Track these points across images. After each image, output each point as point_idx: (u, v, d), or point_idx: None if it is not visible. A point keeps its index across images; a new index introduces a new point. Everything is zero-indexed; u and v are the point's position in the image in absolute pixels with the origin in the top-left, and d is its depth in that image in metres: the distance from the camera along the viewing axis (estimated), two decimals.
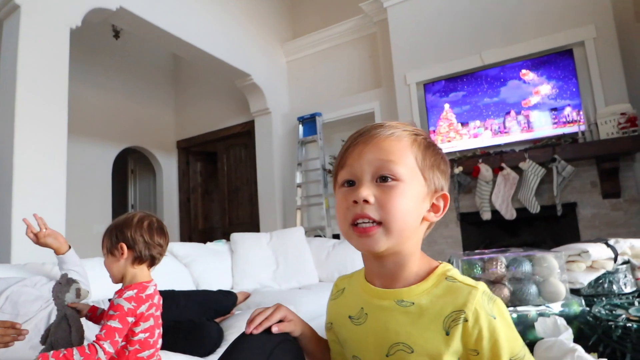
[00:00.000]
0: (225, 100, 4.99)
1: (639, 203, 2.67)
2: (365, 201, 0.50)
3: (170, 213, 5.18)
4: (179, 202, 5.30)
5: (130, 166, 5.55)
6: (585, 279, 1.15)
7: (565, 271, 1.12)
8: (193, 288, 2.20)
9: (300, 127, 4.33)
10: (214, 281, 2.29)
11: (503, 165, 2.98)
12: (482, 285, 0.50)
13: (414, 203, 0.51)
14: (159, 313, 0.93)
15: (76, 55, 2.96)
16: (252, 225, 4.55)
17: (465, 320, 0.47)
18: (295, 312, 1.96)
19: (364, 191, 0.50)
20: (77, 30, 2.55)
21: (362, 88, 4.21)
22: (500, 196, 3.02)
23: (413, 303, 0.51)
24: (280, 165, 4.44)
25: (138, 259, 0.92)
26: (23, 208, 2.06)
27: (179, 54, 3.75)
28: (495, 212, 3.04)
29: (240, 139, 4.91)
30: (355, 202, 0.50)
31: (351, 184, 0.53)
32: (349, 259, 2.53)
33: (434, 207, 0.54)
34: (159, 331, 0.92)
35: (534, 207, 2.88)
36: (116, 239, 0.92)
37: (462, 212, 3.24)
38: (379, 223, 0.50)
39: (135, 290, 0.88)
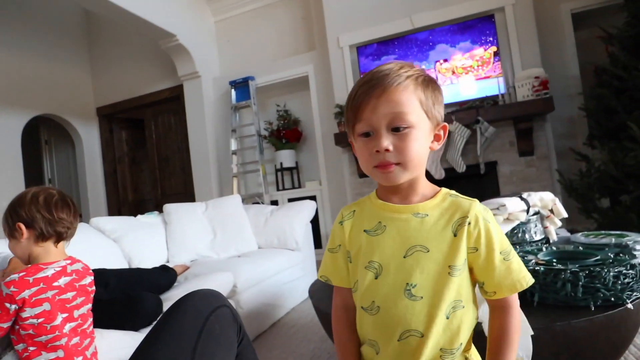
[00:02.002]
0: (150, 63, 4.60)
1: (548, 159, 2.97)
2: (386, 150, 0.59)
3: (94, 186, 4.79)
4: (104, 174, 4.90)
5: (43, 137, 4.96)
6: (503, 229, 1.25)
7: None
8: (125, 265, 2.07)
9: (233, 92, 4.14)
10: (148, 256, 2.17)
11: None
12: (476, 200, 0.63)
13: (424, 141, 0.61)
14: (68, 296, 0.87)
15: None
16: (186, 195, 4.37)
17: (469, 223, 0.60)
18: (235, 280, 1.94)
19: (384, 142, 0.59)
20: None
21: (296, 51, 4.09)
22: (430, 157, 3.18)
23: (427, 214, 0.62)
24: (214, 131, 4.25)
25: (41, 237, 0.88)
26: None
27: (91, 10, 3.32)
28: (426, 173, 3.20)
29: (169, 105, 4.59)
30: (377, 151, 0.59)
31: (367, 134, 0.61)
32: (288, 224, 2.54)
33: (436, 137, 0.64)
34: (64, 315, 0.86)
35: (461, 167, 3.09)
36: (12, 219, 0.88)
37: None
38: (397, 164, 0.59)
39: (21, 274, 0.82)
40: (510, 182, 3.07)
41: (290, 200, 3.85)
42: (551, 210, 1.39)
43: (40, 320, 0.82)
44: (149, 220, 2.49)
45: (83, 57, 4.87)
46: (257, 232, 2.58)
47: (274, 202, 3.97)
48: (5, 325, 0.80)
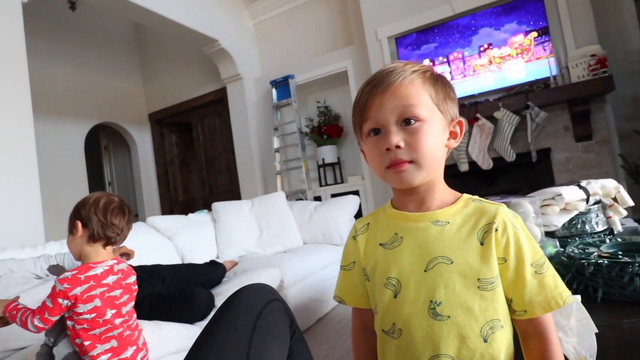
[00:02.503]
0: (195, 68, 4.80)
1: (609, 144, 2.74)
2: (397, 146, 0.54)
3: (148, 187, 5.09)
4: (157, 176, 5.19)
5: (103, 143, 5.36)
6: (559, 221, 1.18)
7: (540, 215, 1.14)
8: (178, 261, 2.19)
9: (274, 91, 4.21)
10: (199, 252, 2.29)
11: (478, 115, 2.99)
12: (504, 205, 0.57)
13: (438, 137, 0.56)
14: (116, 293, 0.93)
15: (34, 31, 2.79)
16: (232, 193, 4.52)
17: (496, 230, 0.54)
18: (282, 275, 1.98)
19: (394, 137, 0.54)
20: (31, 4, 2.42)
21: (334, 47, 4.08)
22: (476, 147, 3.05)
23: (448, 222, 0.56)
24: (256, 131, 4.35)
25: (92, 237, 0.94)
26: None
27: (141, 22, 3.54)
28: (472, 163, 3.08)
29: (214, 108, 4.76)
30: (388, 149, 0.55)
31: (377, 132, 0.57)
32: (332, 219, 2.55)
33: (452, 134, 0.60)
34: (114, 311, 0.92)
35: (510, 156, 2.93)
36: (73, 217, 0.96)
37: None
38: (410, 161, 0.54)
39: (74, 272, 0.88)
40: (566, 170, 2.88)
41: (333, 195, 3.86)
42: (614, 199, 1.28)
43: (93, 315, 0.88)
44: (199, 218, 2.61)
45: (135, 67, 5.18)
46: (302, 228, 2.61)
47: (317, 198, 4.00)
48: (54, 318, 0.86)
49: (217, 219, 2.59)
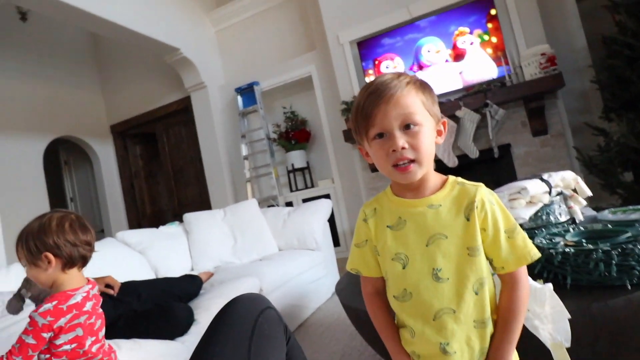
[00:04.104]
0: (157, 78, 4.67)
1: (564, 137, 2.91)
2: (402, 147, 0.65)
3: (114, 201, 4.90)
4: (122, 189, 5.00)
5: (63, 158, 5.09)
6: (526, 213, 1.24)
7: (509, 209, 1.20)
8: (152, 275, 2.12)
9: (239, 98, 4.17)
10: (173, 265, 2.23)
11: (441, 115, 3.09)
12: (482, 185, 0.69)
13: (431, 137, 0.67)
14: (93, 320, 0.88)
15: None
16: (202, 203, 4.43)
17: (476, 207, 0.66)
18: (260, 283, 1.96)
19: (400, 141, 0.65)
20: None
21: (297, 52, 4.10)
22: (441, 145, 3.15)
23: (440, 205, 0.68)
24: (224, 139, 4.29)
25: (68, 264, 0.88)
26: None
27: (97, 32, 3.40)
28: (438, 161, 3.18)
29: (179, 117, 4.65)
30: (394, 150, 0.65)
31: (380, 135, 0.67)
32: (306, 224, 2.55)
33: (438, 132, 0.70)
34: (93, 338, 0.88)
35: (474, 152, 3.05)
36: (37, 249, 0.86)
37: None
38: (413, 160, 0.65)
39: (54, 303, 0.82)
40: (526, 164, 3.03)
41: (304, 200, 3.86)
42: (574, 190, 1.37)
43: (73, 345, 0.84)
44: (171, 230, 2.54)
45: (94, 79, 4.98)
46: (276, 234, 2.60)
47: (289, 204, 3.98)
48: (36, 353, 0.80)
49: (189, 230, 2.53)
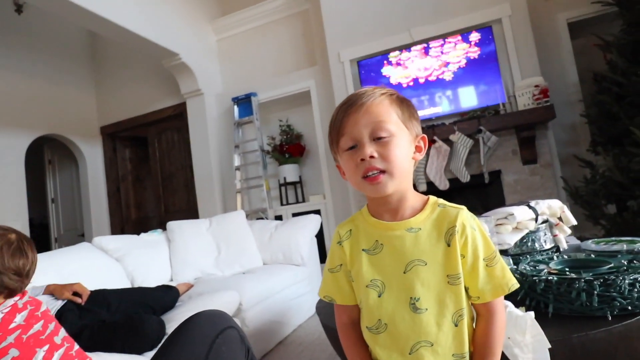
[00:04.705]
0: (153, 81, 4.65)
1: (552, 167, 2.95)
2: (371, 157, 0.62)
3: (97, 204, 4.78)
4: (107, 192, 4.90)
5: (47, 156, 4.98)
6: (512, 239, 1.24)
7: (495, 234, 1.19)
8: (127, 284, 2.05)
9: (236, 108, 4.17)
10: (151, 274, 2.16)
11: (435, 138, 3.12)
12: (464, 208, 0.65)
13: (405, 149, 0.64)
14: (37, 328, 0.78)
15: None
16: (190, 212, 4.36)
17: (457, 231, 0.62)
18: (240, 298, 1.91)
19: (368, 149, 0.62)
20: None
21: (297, 67, 4.13)
22: (434, 168, 3.17)
23: (420, 228, 0.64)
24: (217, 148, 4.26)
25: None
26: None
27: (95, 31, 3.38)
28: (430, 184, 3.19)
29: (172, 122, 4.62)
30: (362, 159, 0.62)
31: (352, 147, 0.64)
32: (293, 239, 2.52)
33: (417, 149, 0.68)
34: (46, 347, 0.78)
35: (465, 177, 3.07)
36: None
37: None
38: (383, 171, 0.62)
39: None
40: (514, 191, 3.05)
41: (294, 214, 3.83)
42: (560, 218, 1.37)
43: None
44: (152, 238, 2.48)
45: (87, 78, 4.92)
46: (262, 247, 2.55)
47: (278, 217, 3.95)
48: None
49: (171, 238, 2.47)
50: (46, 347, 0.77)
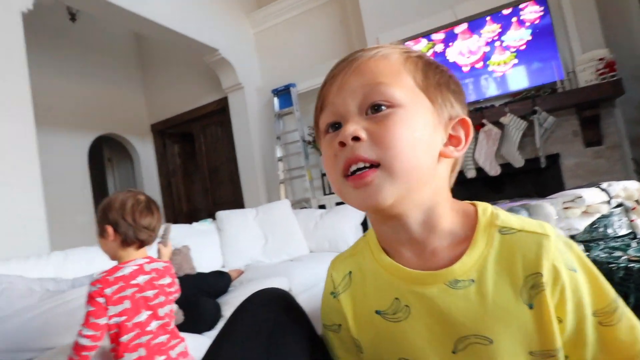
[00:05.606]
0: (196, 78, 4.79)
1: (620, 149, 2.69)
2: (355, 138, 0.37)
3: (152, 198, 5.05)
4: (160, 187, 5.16)
5: (106, 155, 5.35)
6: (580, 224, 1.13)
7: (563, 218, 1.10)
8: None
9: (276, 100, 4.20)
10: (205, 261, 2.24)
11: (484, 121, 2.96)
12: (550, 229, 0.38)
13: (422, 133, 0.38)
14: (149, 294, 0.88)
15: (34, 43, 2.78)
16: (236, 203, 4.47)
17: (545, 283, 0.36)
18: (289, 284, 1.92)
19: (351, 126, 0.38)
20: (31, 15, 2.40)
21: (335, 54, 4.06)
22: (483, 153, 3.01)
23: (473, 280, 0.38)
24: (259, 140, 4.32)
25: (125, 242, 0.91)
26: (0, 205, 2.03)
27: (141, 32, 3.54)
28: (479, 170, 3.04)
29: (216, 117, 4.75)
30: (343, 144, 0.38)
31: (337, 127, 0.41)
32: (338, 227, 2.51)
33: (452, 139, 0.42)
34: (149, 312, 0.87)
35: (518, 161, 2.89)
36: (102, 221, 0.92)
37: None
38: (377, 165, 0.37)
39: (102, 274, 0.86)
40: (575, 176, 2.83)
41: (337, 204, 3.80)
42: (637, 202, 1.24)
43: (122, 318, 0.84)
44: (203, 227, 2.56)
45: (136, 78, 5.18)
46: (308, 236, 2.57)
47: (322, 207, 3.94)
48: (101, 321, 0.82)
49: (221, 228, 2.55)
50: (149, 313, 0.87)
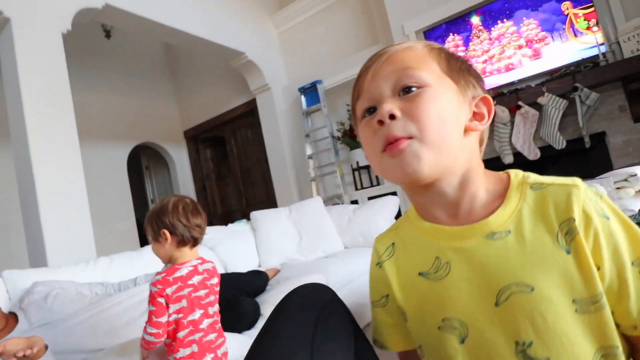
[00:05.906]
0: (224, 83, 4.89)
1: None
2: (391, 116, 0.42)
3: None
4: (195, 191, 5.31)
5: (143, 163, 5.59)
6: (636, 204, 1.05)
7: (616, 199, 1.02)
8: (222, 270, 2.19)
9: (303, 98, 4.20)
10: (241, 261, 2.28)
11: (520, 103, 2.82)
12: (580, 181, 0.40)
13: (448, 109, 0.43)
14: (201, 293, 0.94)
15: (73, 61, 2.95)
16: (269, 203, 4.53)
17: (579, 226, 0.39)
18: (325, 281, 1.92)
19: (387, 105, 0.43)
20: (69, 35, 2.53)
21: (360, 47, 4.02)
22: (520, 137, 2.88)
23: (509, 231, 0.41)
24: (288, 139, 4.35)
25: (182, 242, 0.97)
26: (51, 216, 2.16)
27: (171, 43, 3.67)
28: (517, 154, 2.90)
29: (245, 120, 4.82)
30: (381, 122, 0.43)
31: (372, 111, 0.46)
32: (373, 221, 2.47)
33: (475, 115, 0.47)
34: (201, 311, 0.92)
35: (559, 143, 2.73)
36: (157, 226, 0.97)
37: (483, 159, 3.10)
38: (410, 137, 0.42)
39: (163, 274, 0.91)
40: (624, 155, 2.64)
41: (370, 198, 3.76)
42: None
43: (179, 315, 0.89)
44: (239, 228, 2.60)
45: (168, 87, 5.36)
46: (342, 231, 2.55)
47: (354, 202, 3.91)
48: (163, 319, 0.87)
49: (256, 227, 2.58)
50: (202, 312, 0.92)
